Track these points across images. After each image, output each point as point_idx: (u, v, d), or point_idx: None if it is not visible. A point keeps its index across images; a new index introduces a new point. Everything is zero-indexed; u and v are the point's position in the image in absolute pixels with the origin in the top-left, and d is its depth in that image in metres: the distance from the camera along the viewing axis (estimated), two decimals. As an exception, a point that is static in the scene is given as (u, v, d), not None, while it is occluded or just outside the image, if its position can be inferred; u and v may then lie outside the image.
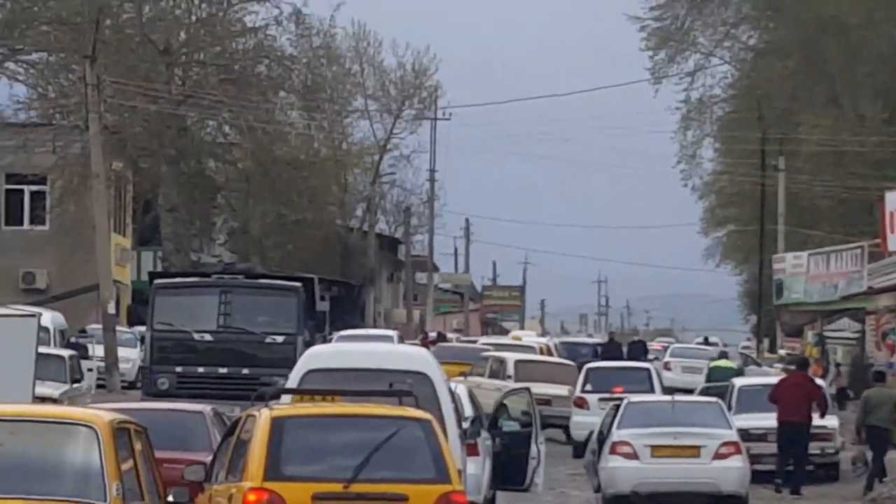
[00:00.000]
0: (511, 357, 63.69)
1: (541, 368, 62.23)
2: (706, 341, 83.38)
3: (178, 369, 40.52)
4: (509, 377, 55.86)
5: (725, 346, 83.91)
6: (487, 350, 67.77)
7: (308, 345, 40.82)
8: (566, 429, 55.72)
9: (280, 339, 41.63)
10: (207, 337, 41.45)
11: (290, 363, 36.58)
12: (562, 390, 58.09)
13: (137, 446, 18.37)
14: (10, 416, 19.05)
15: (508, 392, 41.08)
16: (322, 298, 62.55)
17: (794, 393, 46.71)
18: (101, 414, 18.99)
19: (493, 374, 56.79)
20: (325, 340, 52.68)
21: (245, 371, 39.59)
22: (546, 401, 53.74)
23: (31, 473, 17.15)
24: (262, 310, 42.58)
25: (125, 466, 17.51)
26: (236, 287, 43.38)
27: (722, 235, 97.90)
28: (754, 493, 37.88)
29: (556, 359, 69.75)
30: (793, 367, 53.74)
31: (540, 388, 54.31)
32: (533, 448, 33.06)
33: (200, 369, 40.31)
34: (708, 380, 59.48)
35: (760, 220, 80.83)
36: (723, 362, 63.69)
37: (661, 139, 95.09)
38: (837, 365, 68.19)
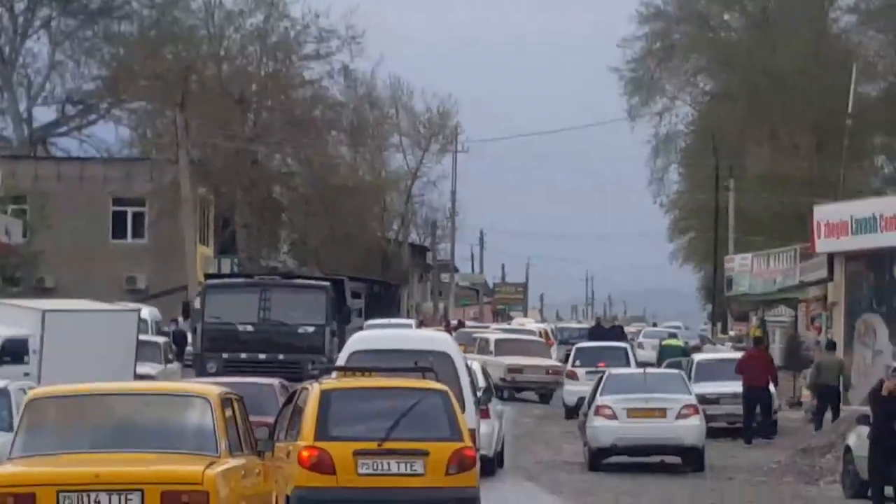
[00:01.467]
0: (493, 336, 63.41)
1: (516, 345, 61.36)
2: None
3: (225, 355, 39.81)
4: (491, 352, 55.12)
5: (687, 328, 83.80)
6: (478, 332, 66.82)
7: (335, 335, 41.29)
8: (538, 391, 56.63)
9: (311, 329, 40.95)
10: (249, 328, 40.85)
11: (320, 349, 38.85)
12: (537, 361, 58.34)
13: (236, 411, 18.86)
14: (146, 391, 20.42)
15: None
16: (356, 296, 62.59)
17: (756, 364, 47.73)
18: (212, 388, 19.73)
19: (481, 351, 55.62)
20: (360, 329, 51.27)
21: (281, 356, 38.83)
22: (518, 369, 54.75)
23: (162, 433, 17.72)
24: (296, 305, 41.87)
25: (229, 426, 18.10)
26: (274, 286, 42.84)
27: (684, 241, 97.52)
28: (710, 446, 37.42)
29: (529, 336, 68.64)
30: (749, 345, 54.46)
31: (514, 360, 56.22)
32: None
33: (243, 355, 39.55)
34: (659, 355, 59.42)
35: (714, 229, 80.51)
36: (672, 341, 63.64)
37: (636, 166, 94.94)
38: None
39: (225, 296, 42.46)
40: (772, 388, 45.79)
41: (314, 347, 39.36)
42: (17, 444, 17.39)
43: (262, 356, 38.94)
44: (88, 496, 16.18)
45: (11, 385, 25.78)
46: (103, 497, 16.17)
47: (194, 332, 42.49)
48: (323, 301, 41.83)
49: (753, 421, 45.08)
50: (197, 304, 44.50)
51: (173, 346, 50.25)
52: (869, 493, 29.74)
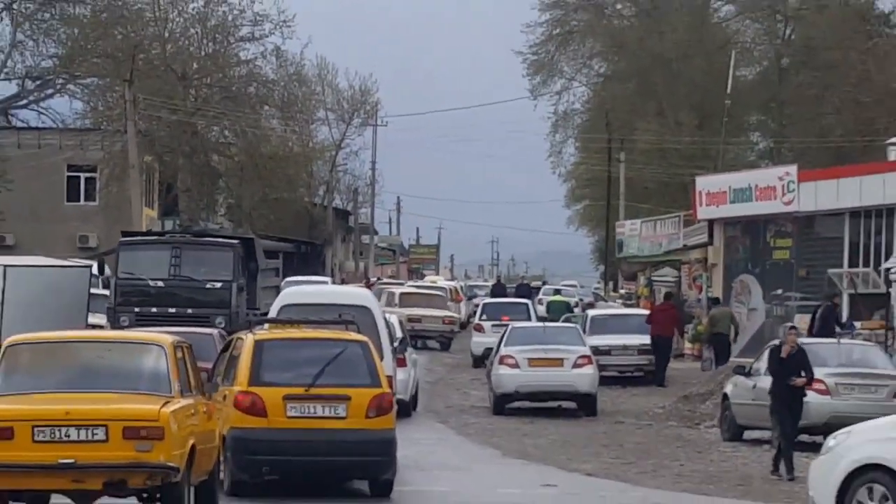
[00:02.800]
0: (397, 290, 64.10)
1: (417, 298, 61.63)
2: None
3: (137, 309, 37.97)
4: (396, 304, 55.31)
5: (582, 287, 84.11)
6: (386, 287, 67.77)
7: (242, 290, 40.21)
8: (444, 342, 57.05)
9: (218, 284, 39.31)
10: (160, 284, 39.17)
11: (227, 304, 37.76)
12: (434, 312, 58.57)
13: (186, 357, 18.88)
14: (108, 338, 20.94)
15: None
16: (273, 255, 61.92)
17: (664, 317, 48.80)
18: (165, 336, 19.80)
19: (388, 304, 54.64)
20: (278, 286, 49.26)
21: (189, 311, 37.02)
22: (417, 319, 54.61)
23: (123, 376, 17.99)
24: (204, 262, 40.14)
25: (181, 371, 18.22)
26: (184, 244, 41.08)
27: (580, 208, 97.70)
28: (601, 393, 37.64)
29: (429, 291, 68.13)
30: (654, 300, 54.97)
31: (415, 311, 56.25)
32: None
33: (154, 309, 37.67)
34: (547, 310, 59.85)
35: (607, 198, 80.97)
36: (557, 297, 64.27)
37: (538, 139, 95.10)
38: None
39: (137, 253, 40.96)
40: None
41: (221, 302, 38.37)
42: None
43: (171, 310, 37.35)
44: (59, 430, 16.56)
45: None
46: (73, 431, 16.55)
47: (107, 286, 40.86)
48: (230, 258, 40.46)
49: (665, 364, 45.92)
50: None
51: None
52: (743, 437, 30.46)
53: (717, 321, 48.26)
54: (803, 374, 25.27)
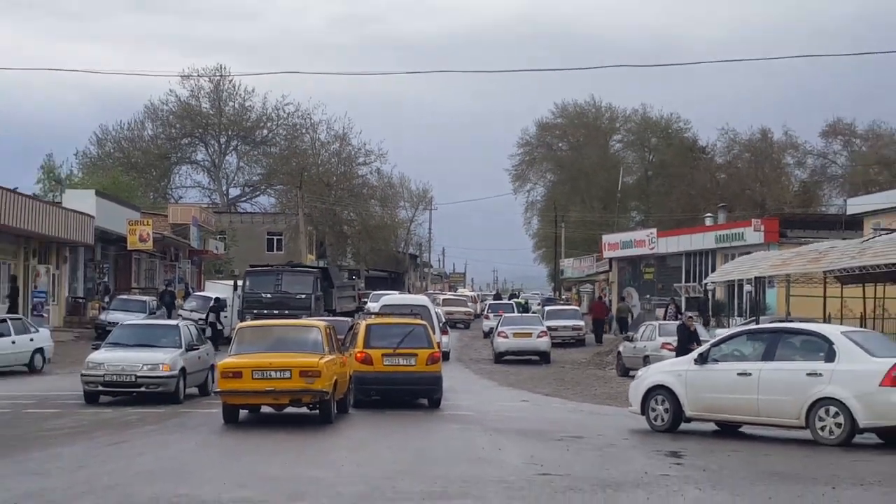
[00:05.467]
0: (441, 297, 62.25)
1: (452, 301, 60.23)
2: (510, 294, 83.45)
3: (255, 311, 34.69)
4: (440, 304, 51.36)
5: (542, 294, 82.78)
6: (436, 296, 64.01)
7: (319, 299, 36.55)
8: (465, 325, 54.52)
9: (303, 296, 35.88)
10: (269, 296, 35.97)
11: (308, 307, 34.28)
12: (460, 308, 57.10)
13: (332, 332, 18.61)
14: (290, 324, 20.39)
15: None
16: (351, 278, 59.79)
17: (600, 308, 48.92)
18: (321, 321, 20.22)
19: (435, 304, 53.85)
20: (362, 301, 47.86)
21: (287, 311, 33.24)
22: (451, 313, 52.60)
23: (298, 343, 17.69)
24: (295, 282, 36.62)
25: (329, 340, 17.94)
26: (284, 271, 37.87)
27: (541, 252, 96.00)
28: (553, 352, 36.55)
29: (458, 297, 67.30)
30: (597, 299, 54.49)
31: (450, 308, 54.68)
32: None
33: (265, 311, 34.33)
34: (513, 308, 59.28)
35: (555, 247, 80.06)
36: (518, 300, 63.39)
37: (517, 216, 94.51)
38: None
39: (257, 277, 37.76)
40: (581, 321, 45.39)
41: (305, 306, 34.84)
42: (232, 349, 17.79)
43: (276, 311, 33.91)
44: (265, 372, 16.60)
45: (181, 322, 23.47)
46: (272, 373, 16.62)
47: (240, 299, 37.14)
48: (311, 280, 37.14)
49: (599, 336, 44.64)
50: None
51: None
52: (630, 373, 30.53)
53: (621, 311, 48.36)
54: (695, 344, 24.43)
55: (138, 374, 19.64)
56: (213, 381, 21.39)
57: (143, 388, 19.70)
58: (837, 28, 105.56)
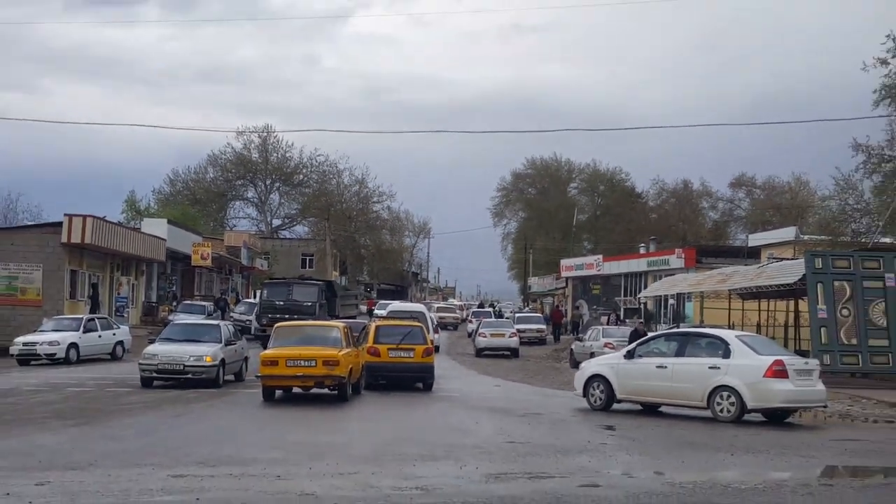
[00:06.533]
0: (435, 305, 61.98)
1: (444, 308, 59.94)
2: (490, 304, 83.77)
3: (269, 316, 32.51)
4: (434, 311, 51.26)
5: (513, 304, 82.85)
6: (432, 304, 64.30)
7: (323, 307, 33.98)
8: (454, 327, 53.76)
9: (309, 304, 33.53)
10: (281, 303, 33.63)
11: (313, 313, 31.96)
12: (450, 314, 56.58)
13: (349, 330, 18.54)
14: (317, 324, 19.85)
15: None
16: (370, 289, 58.96)
17: (558, 315, 48.39)
18: (340, 322, 19.88)
19: (430, 311, 53.13)
20: (371, 309, 45.77)
21: (296, 316, 29.97)
22: (442, 318, 51.84)
23: (322, 339, 17.52)
24: (305, 292, 34.12)
25: (347, 336, 17.79)
26: (294, 283, 35.37)
27: (514, 272, 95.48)
28: (522, 349, 36.24)
29: (449, 305, 66.86)
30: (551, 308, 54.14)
31: (442, 314, 53.91)
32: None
33: (278, 315, 31.48)
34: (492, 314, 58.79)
35: (524, 269, 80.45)
36: (489, 308, 63.17)
37: (496, 245, 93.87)
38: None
39: (273, 288, 35.43)
40: (542, 325, 45.00)
41: (311, 312, 32.35)
42: (270, 344, 17.69)
43: (286, 316, 30.81)
44: (296, 361, 16.52)
45: (222, 322, 22.64)
46: (302, 361, 16.52)
47: (259, 305, 35.49)
48: (316, 291, 34.52)
49: (557, 337, 44.37)
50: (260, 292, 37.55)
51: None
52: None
53: (574, 318, 48.26)
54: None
55: (186, 363, 19.11)
56: (246, 370, 21.12)
57: (189, 375, 19.12)
58: (742, 104, 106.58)
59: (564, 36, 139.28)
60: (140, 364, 19.50)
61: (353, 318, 35.34)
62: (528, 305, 73.73)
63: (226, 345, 20.25)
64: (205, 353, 19.33)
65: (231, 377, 20.60)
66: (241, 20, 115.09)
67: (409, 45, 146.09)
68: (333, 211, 73.66)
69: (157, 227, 44.36)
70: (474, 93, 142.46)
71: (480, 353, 35.31)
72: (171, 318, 37.82)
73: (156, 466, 9.44)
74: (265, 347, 18.61)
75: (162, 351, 19.45)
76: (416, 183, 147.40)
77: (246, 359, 21.55)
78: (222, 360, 19.67)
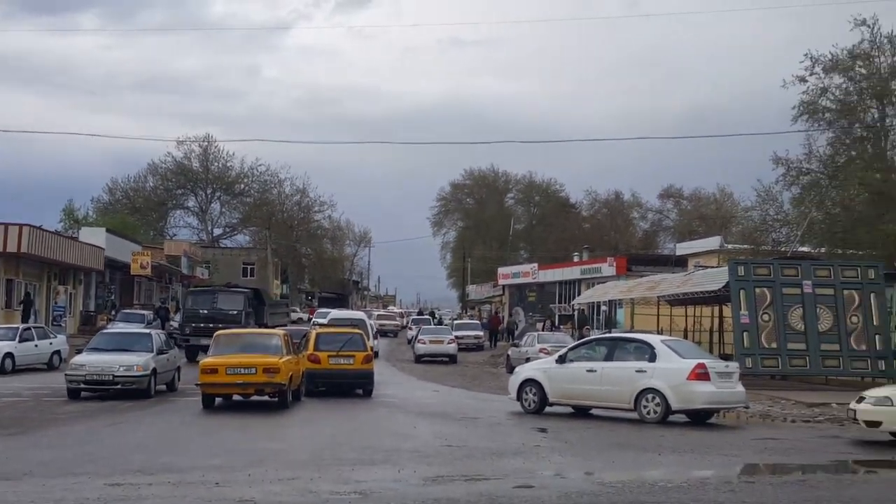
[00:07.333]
0: (376, 312, 61.61)
1: (384, 316, 59.71)
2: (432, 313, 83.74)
3: (193, 325, 30.70)
4: (374, 318, 51.40)
5: (449, 311, 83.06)
6: (373, 311, 64.74)
7: (249, 316, 31.84)
8: (394, 334, 53.48)
9: (234, 312, 30.87)
10: (206, 311, 31.07)
11: (239, 322, 29.95)
12: (390, 322, 56.44)
13: (289, 338, 18.41)
14: (255, 332, 20.20)
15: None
16: (311, 298, 58.07)
17: (495, 321, 48.24)
18: (280, 330, 19.83)
19: (372, 318, 52.35)
20: (287, 313, 43.66)
21: (221, 325, 26.95)
22: (382, 324, 51.69)
23: (263, 346, 17.42)
24: (230, 300, 31.53)
25: (287, 343, 17.72)
26: (219, 291, 32.89)
27: (453, 280, 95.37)
28: (460, 355, 36.20)
29: (389, 313, 66.13)
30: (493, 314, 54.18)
31: (382, 321, 53.89)
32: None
33: (202, 324, 30.19)
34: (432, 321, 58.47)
35: (462, 277, 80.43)
36: (428, 316, 63.12)
37: (435, 253, 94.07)
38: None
39: (196, 296, 33.22)
40: (480, 331, 44.77)
41: (236, 321, 29.95)
42: (211, 352, 17.42)
43: (211, 325, 29.22)
44: (236, 370, 16.38)
45: (153, 331, 21.54)
46: (241, 369, 16.38)
47: (181, 313, 33.10)
48: (242, 299, 31.96)
49: (494, 343, 44.44)
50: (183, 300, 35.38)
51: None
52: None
53: (510, 324, 47.93)
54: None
55: (115, 373, 18.18)
56: (178, 380, 20.52)
57: (119, 386, 18.19)
58: (674, 119, 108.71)
59: (503, 50, 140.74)
60: (67, 375, 18.58)
61: (284, 327, 33.80)
62: (466, 313, 73.89)
63: (157, 354, 19.44)
64: (135, 362, 18.45)
65: (163, 387, 19.82)
66: (183, 30, 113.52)
67: (350, 57, 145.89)
68: (275, 220, 73.03)
69: (95, 235, 43.58)
70: (414, 105, 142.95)
71: (420, 359, 35.24)
72: (109, 327, 37.10)
73: (92, 475, 9.27)
74: (189, 359, 18.22)
75: (90, 361, 18.56)
76: (356, 193, 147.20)
77: (178, 368, 20.93)
78: (154, 370, 18.86)
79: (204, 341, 28.29)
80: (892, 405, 12.73)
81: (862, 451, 12.36)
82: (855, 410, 13.22)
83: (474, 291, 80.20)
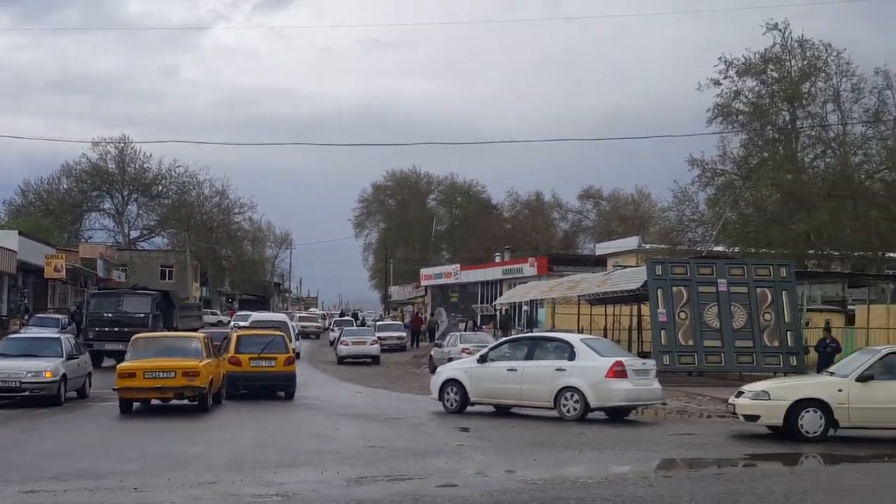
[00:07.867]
0: (298, 314, 61.29)
1: (306, 317, 59.52)
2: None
3: (97, 329, 29.07)
4: (297, 320, 51.41)
5: (371, 312, 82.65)
6: (295, 313, 63.86)
7: (157, 319, 30.58)
8: (316, 335, 53.05)
9: (141, 315, 29.47)
10: (110, 315, 29.49)
11: (146, 325, 28.78)
12: (312, 323, 56.03)
13: (209, 341, 18.16)
14: (174, 335, 19.89)
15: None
16: (231, 300, 57.53)
17: (417, 322, 47.90)
18: (200, 333, 19.47)
19: (294, 320, 49.39)
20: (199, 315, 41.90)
21: (126, 329, 26.70)
22: (304, 326, 51.46)
23: (182, 350, 17.20)
24: (136, 303, 30.16)
25: (207, 347, 17.47)
26: (125, 294, 31.78)
27: (375, 281, 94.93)
28: (383, 356, 36.05)
29: (311, 314, 65.89)
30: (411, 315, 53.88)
31: (304, 322, 53.84)
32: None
33: (107, 328, 28.76)
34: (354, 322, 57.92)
35: (385, 278, 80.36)
36: (353, 317, 62.57)
37: (356, 255, 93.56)
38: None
39: (100, 298, 31.63)
40: (402, 332, 44.69)
41: (143, 324, 28.69)
42: (128, 356, 17.12)
43: (115, 329, 28.40)
44: (155, 374, 16.09)
45: (62, 336, 20.45)
46: (160, 373, 16.11)
47: (84, 316, 31.47)
48: (149, 301, 30.55)
49: (416, 343, 44.15)
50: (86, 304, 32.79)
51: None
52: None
53: (432, 324, 47.64)
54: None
55: (23, 380, 17.25)
56: (90, 386, 19.84)
57: (27, 393, 17.21)
58: (594, 120, 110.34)
59: (422, 52, 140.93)
60: None
61: (195, 330, 33.81)
62: (388, 314, 73.82)
63: (67, 359, 18.58)
64: (44, 368, 17.54)
65: (73, 394, 18.98)
66: (98, 30, 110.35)
67: (270, 58, 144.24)
68: (194, 222, 71.72)
69: (7, 238, 42.27)
70: (334, 106, 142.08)
71: (342, 360, 35.03)
72: (22, 331, 35.83)
73: (5, 483, 8.96)
74: (94, 365, 17.61)
75: None
76: (277, 195, 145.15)
77: (89, 374, 20.18)
78: (63, 376, 17.94)
79: (108, 346, 27.87)
80: (770, 399, 12.80)
81: (776, 445, 12.53)
82: (734, 405, 13.30)
83: (397, 292, 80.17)
